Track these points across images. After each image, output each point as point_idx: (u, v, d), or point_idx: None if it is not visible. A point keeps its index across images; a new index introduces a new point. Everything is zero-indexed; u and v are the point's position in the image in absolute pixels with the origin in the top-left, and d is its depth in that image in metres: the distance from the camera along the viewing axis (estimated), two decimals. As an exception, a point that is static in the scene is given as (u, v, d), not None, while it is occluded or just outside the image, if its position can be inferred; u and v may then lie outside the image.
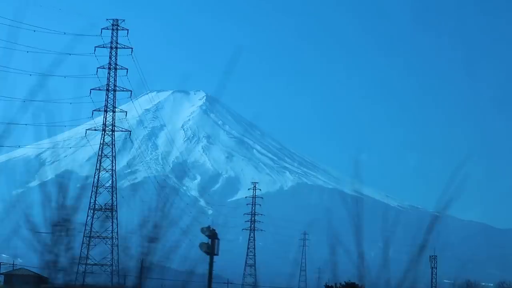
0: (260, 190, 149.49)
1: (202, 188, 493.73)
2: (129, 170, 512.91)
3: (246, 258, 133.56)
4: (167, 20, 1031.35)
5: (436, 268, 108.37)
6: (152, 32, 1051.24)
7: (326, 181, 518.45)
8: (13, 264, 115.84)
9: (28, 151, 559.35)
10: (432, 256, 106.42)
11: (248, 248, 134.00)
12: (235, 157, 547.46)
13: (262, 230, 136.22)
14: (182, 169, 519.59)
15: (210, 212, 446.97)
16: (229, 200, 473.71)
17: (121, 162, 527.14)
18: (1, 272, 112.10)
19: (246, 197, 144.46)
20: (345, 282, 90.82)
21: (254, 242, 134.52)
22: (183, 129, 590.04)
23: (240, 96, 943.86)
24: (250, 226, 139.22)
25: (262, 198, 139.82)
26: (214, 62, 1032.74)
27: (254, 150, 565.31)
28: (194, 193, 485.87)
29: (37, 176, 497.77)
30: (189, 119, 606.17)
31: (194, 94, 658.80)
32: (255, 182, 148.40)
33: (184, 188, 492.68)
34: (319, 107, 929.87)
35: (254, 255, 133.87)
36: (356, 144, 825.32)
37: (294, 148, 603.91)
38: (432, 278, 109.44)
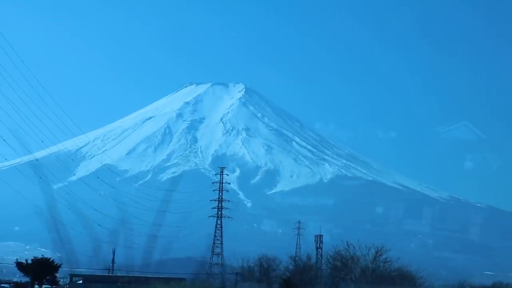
0: (228, 175, 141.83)
1: (242, 180, 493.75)
2: (169, 163, 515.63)
3: (213, 246, 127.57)
4: (207, 12, 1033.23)
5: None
6: (191, 24, 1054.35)
7: (366, 173, 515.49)
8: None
9: (68, 145, 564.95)
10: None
11: (215, 236, 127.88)
12: (274, 150, 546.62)
13: (229, 217, 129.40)
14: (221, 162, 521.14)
15: (249, 205, 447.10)
16: (268, 193, 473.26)
17: (161, 155, 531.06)
18: None
19: (213, 182, 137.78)
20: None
21: (222, 230, 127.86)
22: (222, 122, 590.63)
23: (279, 88, 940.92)
24: (217, 213, 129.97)
25: (229, 183, 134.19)
26: (254, 54, 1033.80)
27: (293, 142, 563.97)
28: (233, 186, 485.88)
29: (77, 170, 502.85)
30: (228, 112, 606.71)
31: (233, 86, 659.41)
32: (223, 167, 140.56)
33: (224, 181, 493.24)
34: (360, 98, 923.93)
35: (221, 243, 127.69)
36: (397, 132, 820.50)
37: (334, 140, 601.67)
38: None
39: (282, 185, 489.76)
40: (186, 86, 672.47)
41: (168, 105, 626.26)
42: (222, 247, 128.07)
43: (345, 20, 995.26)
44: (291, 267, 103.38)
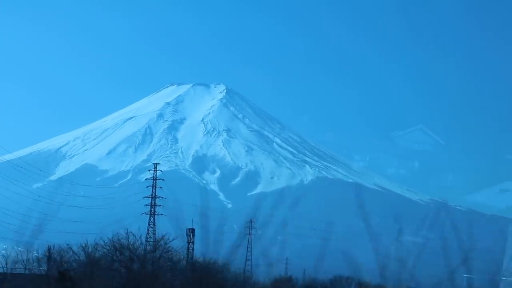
0: (162, 171, 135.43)
1: (222, 181, 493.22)
2: (149, 164, 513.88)
3: (146, 244, 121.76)
4: (189, 13, 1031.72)
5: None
6: (173, 24, 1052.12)
7: (347, 175, 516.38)
8: None
9: (48, 144, 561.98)
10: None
11: (147, 234, 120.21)
12: (254, 151, 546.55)
13: (162, 214, 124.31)
14: (202, 163, 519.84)
15: (229, 206, 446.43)
16: (248, 194, 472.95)
17: (141, 155, 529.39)
18: None
19: (146, 178, 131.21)
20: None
21: (154, 227, 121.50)
22: (203, 123, 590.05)
23: (260, 89, 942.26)
24: (150, 210, 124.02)
25: (163, 180, 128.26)
26: (235, 54, 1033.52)
27: (274, 144, 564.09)
28: (213, 186, 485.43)
29: (57, 169, 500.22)
30: (209, 113, 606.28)
31: (215, 87, 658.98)
32: (156, 163, 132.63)
33: (204, 182, 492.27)
34: (343, 99, 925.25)
35: (154, 240, 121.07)
36: (379, 134, 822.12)
37: (315, 141, 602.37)
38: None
39: (262, 186, 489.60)
40: (167, 87, 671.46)
41: (149, 105, 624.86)
42: (154, 246, 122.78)
43: (327, 20, 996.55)
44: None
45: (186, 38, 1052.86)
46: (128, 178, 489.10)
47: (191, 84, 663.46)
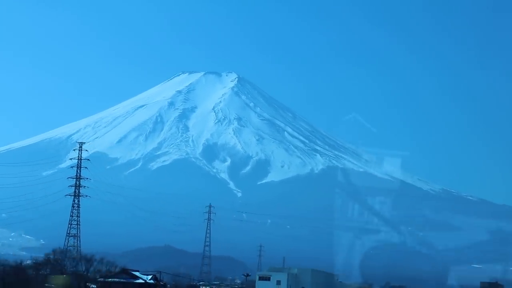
0: (87, 151, 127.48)
1: (232, 170, 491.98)
2: (159, 152, 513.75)
3: (69, 227, 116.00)
4: (201, 1, 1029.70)
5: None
6: (186, 14, 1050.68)
7: (357, 164, 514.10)
8: None
9: (59, 132, 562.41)
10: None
11: (71, 216, 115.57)
12: (265, 140, 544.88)
13: (87, 196, 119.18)
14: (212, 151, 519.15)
15: (239, 194, 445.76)
16: (259, 183, 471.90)
17: (152, 144, 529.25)
18: None
19: (71, 158, 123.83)
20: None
21: (78, 209, 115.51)
22: (214, 111, 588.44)
23: (272, 77, 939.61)
24: (74, 192, 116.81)
25: (89, 160, 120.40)
26: (247, 43, 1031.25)
27: (285, 133, 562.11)
28: (224, 175, 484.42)
29: (67, 157, 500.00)
30: (220, 101, 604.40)
31: (226, 75, 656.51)
32: (81, 142, 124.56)
33: (214, 170, 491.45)
34: (352, 89, 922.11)
35: (78, 223, 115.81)
36: (388, 125, 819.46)
37: (326, 130, 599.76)
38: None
39: (273, 175, 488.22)
40: (178, 75, 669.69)
41: (160, 93, 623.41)
42: (78, 228, 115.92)
43: (339, 9, 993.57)
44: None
45: (198, 27, 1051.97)
46: (138, 166, 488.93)
47: (202, 73, 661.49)
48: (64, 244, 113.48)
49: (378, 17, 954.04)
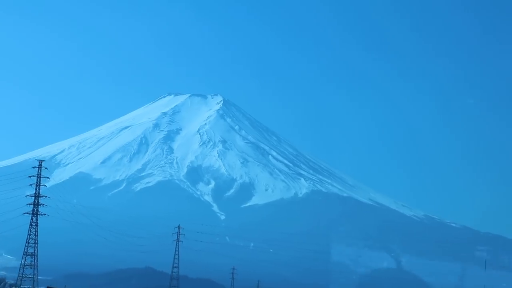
0: (47, 169, 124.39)
1: (216, 193, 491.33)
2: (144, 173, 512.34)
3: (26, 246, 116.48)
4: (187, 23, 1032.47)
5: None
6: (172, 35, 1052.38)
7: (342, 189, 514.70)
8: None
9: (43, 152, 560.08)
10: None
11: (29, 235, 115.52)
12: (250, 163, 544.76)
13: (46, 214, 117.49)
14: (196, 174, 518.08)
15: (223, 217, 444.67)
16: (242, 206, 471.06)
17: (136, 165, 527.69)
18: None
19: (29, 176, 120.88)
20: None
21: (37, 228, 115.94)
22: (199, 133, 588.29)
23: (257, 101, 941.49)
24: (33, 210, 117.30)
25: (48, 178, 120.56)
26: (233, 66, 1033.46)
27: (270, 156, 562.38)
28: (207, 198, 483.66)
29: (51, 177, 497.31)
30: (205, 123, 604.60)
31: (212, 98, 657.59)
32: (41, 160, 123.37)
33: (198, 193, 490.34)
34: (337, 115, 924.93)
35: (36, 242, 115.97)
36: (373, 152, 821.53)
37: (310, 154, 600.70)
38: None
39: (257, 199, 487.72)
40: (164, 97, 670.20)
41: (145, 115, 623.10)
42: (36, 247, 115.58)
43: (326, 29, 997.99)
44: None
45: (184, 49, 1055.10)
46: (122, 187, 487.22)
47: (188, 95, 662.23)
48: (21, 263, 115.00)
49: (366, 43, 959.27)
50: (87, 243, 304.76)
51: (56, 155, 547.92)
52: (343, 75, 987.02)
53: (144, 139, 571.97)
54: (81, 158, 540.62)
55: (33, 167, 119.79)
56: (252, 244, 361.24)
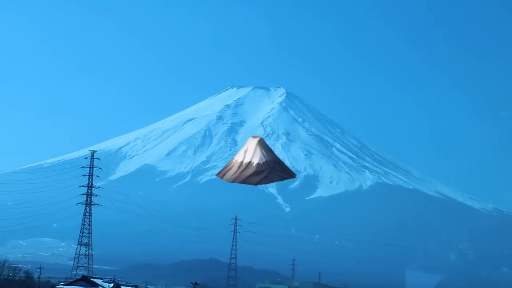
0: (99, 159, 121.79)
1: (281, 185, 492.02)
2: (208, 166, 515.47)
3: (80, 236, 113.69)
4: (251, 16, 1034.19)
5: None
6: (235, 28, 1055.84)
7: (407, 181, 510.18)
8: None
9: (109, 144, 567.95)
10: None
11: (83, 225, 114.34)
12: (314, 155, 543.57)
13: (99, 204, 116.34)
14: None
15: (287, 209, 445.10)
16: (307, 198, 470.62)
17: (200, 157, 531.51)
18: None
19: (82, 167, 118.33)
20: None
21: (90, 218, 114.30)
22: (263, 126, 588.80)
23: (320, 93, 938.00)
24: (86, 200, 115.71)
25: (100, 168, 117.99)
26: (296, 58, 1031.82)
27: (334, 148, 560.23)
28: (272, 190, 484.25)
29: (117, 169, 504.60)
30: (268, 116, 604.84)
31: (274, 90, 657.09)
32: (93, 151, 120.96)
33: (262, 185, 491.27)
34: (401, 108, 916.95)
35: (90, 232, 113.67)
36: (438, 145, 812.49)
37: (375, 147, 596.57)
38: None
39: (321, 191, 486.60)
40: (227, 89, 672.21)
41: (209, 107, 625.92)
42: (90, 237, 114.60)
43: (386, 26, 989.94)
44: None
45: (247, 41, 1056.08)
46: (187, 179, 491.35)
47: (251, 87, 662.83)
48: (76, 252, 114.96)
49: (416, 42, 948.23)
50: (153, 234, 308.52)
51: (122, 147, 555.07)
52: (403, 66, 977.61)
53: (208, 131, 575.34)
54: (146, 150, 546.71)
55: (85, 158, 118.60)
56: (317, 236, 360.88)
